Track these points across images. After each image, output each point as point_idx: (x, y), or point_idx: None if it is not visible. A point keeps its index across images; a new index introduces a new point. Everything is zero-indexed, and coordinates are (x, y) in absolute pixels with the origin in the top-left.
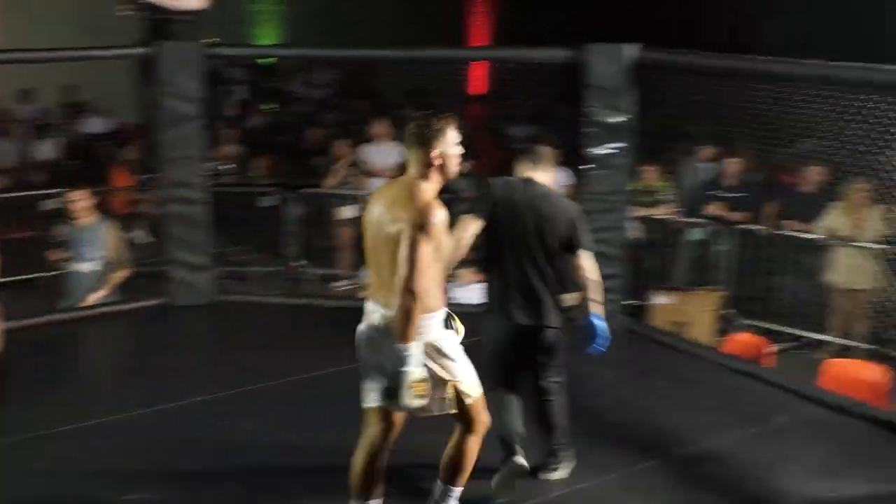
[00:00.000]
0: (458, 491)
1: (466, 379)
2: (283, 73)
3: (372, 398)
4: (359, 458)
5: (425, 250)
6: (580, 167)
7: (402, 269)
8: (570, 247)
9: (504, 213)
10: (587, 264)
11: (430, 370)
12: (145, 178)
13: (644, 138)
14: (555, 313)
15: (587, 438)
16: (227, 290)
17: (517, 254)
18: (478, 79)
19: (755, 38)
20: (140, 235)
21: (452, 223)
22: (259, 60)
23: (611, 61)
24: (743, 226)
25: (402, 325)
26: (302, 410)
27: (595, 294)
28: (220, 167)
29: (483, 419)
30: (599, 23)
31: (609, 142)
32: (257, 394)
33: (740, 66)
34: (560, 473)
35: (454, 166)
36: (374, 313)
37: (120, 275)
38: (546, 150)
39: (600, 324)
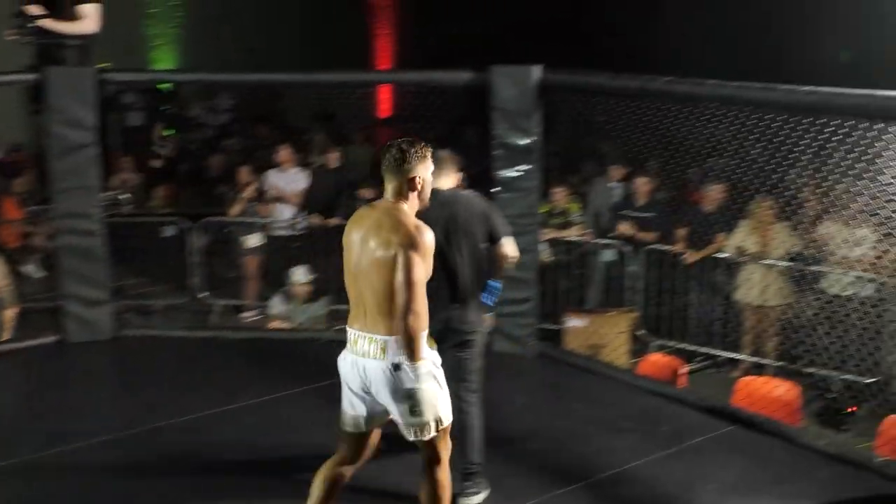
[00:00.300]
0: None
1: (444, 404)
2: (182, 98)
3: (349, 423)
4: (321, 477)
5: (421, 271)
6: (489, 190)
7: (402, 293)
8: (491, 238)
9: None
10: (510, 249)
11: None
12: (37, 209)
13: (552, 160)
14: (477, 314)
15: (503, 464)
16: (128, 325)
17: (442, 261)
18: (386, 102)
19: (679, 45)
20: (32, 269)
21: None
22: (157, 85)
23: (515, 83)
24: (654, 245)
25: (410, 346)
26: (209, 447)
27: (505, 267)
28: (118, 196)
29: (449, 445)
30: (524, 36)
31: (517, 164)
32: (162, 431)
33: (644, 86)
34: (478, 499)
35: (428, 192)
36: (360, 340)
37: (9, 313)
38: (445, 154)
39: (495, 284)
